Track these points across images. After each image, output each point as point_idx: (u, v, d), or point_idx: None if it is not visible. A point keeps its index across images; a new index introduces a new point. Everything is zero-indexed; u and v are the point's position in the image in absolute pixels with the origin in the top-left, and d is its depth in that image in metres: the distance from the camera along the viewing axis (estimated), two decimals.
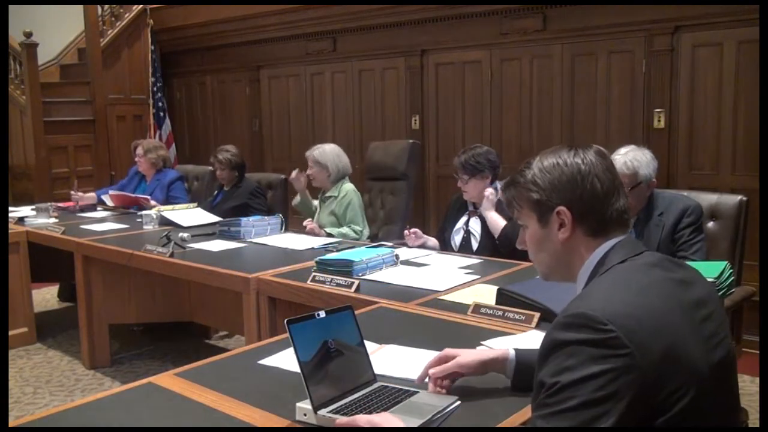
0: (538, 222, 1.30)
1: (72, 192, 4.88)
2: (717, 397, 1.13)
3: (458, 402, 1.46)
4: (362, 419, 1.29)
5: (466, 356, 1.49)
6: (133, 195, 4.80)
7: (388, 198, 4.23)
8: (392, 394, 1.49)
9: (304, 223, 3.80)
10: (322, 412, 1.39)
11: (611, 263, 1.22)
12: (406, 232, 3.24)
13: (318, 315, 1.51)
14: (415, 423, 1.34)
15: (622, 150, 2.67)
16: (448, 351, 1.51)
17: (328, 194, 4.02)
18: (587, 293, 1.18)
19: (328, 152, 3.99)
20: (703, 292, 1.21)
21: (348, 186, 3.99)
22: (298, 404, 1.43)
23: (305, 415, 1.41)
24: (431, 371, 1.50)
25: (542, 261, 1.34)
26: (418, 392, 1.50)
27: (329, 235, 3.72)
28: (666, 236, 2.59)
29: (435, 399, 1.47)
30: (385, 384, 1.55)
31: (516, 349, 1.51)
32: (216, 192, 4.62)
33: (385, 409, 1.40)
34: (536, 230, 1.31)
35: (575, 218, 1.26)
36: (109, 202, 4.75)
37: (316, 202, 4.17)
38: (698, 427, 1.08)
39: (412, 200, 4.33)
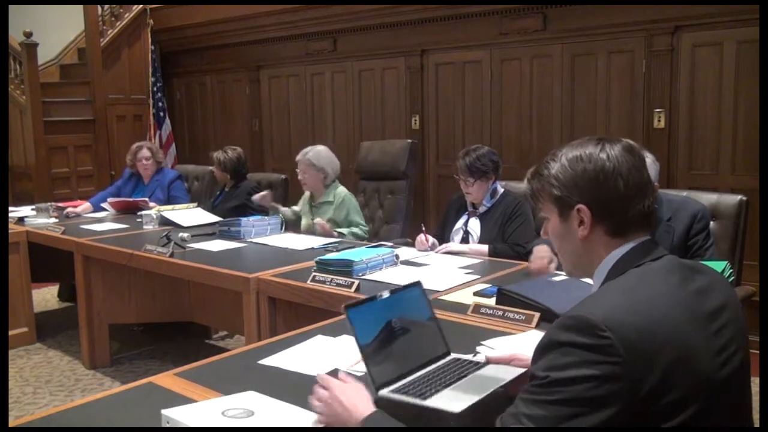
0: (559, 217, 1.28)
1: (69, 210, 4.80)
2: (727, 407, 1.13)
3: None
4: (335, 386, 1.30)
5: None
6: (131, 199, 4.77)
7: (387, 197, 4.22)
8: (461, 368, 1.48)
9: (316, 220, 3.75)
10: (384, 392, 1.37)
11: (627, 267, 1.20)
12: (422, 237, 3.16)
13: (380, 296, 1.50)
14: (467, 401, 1.32)
15: None
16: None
17: (321, 200, 3.88)
18: (595, 297, 1.17)
19: (324, 155, 3.85)
20: (720, 300, 1.19)
21: (341, 190, 3.87)
22: (163, 411, 1.37)
23: (168, 423, 1.35)
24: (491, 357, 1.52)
25: (565, 256, 1.33)
26: (487, 365, 1.49)
27: (340, 234, 3.68)
28: (679, 242, 2.54)
29: (502, 372, 1.45)
30: (459, 356, 1.55)
31: None
32: (218, 192, 4.62)
33: (448, 385, 1.40)
34: (557, 224, 1.29)
35: (594, 217, 1.23)
36: (110, 209, 4.72)
37: (295, 208, 3.98)
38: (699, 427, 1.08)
39: (413, 200, 4.33)
